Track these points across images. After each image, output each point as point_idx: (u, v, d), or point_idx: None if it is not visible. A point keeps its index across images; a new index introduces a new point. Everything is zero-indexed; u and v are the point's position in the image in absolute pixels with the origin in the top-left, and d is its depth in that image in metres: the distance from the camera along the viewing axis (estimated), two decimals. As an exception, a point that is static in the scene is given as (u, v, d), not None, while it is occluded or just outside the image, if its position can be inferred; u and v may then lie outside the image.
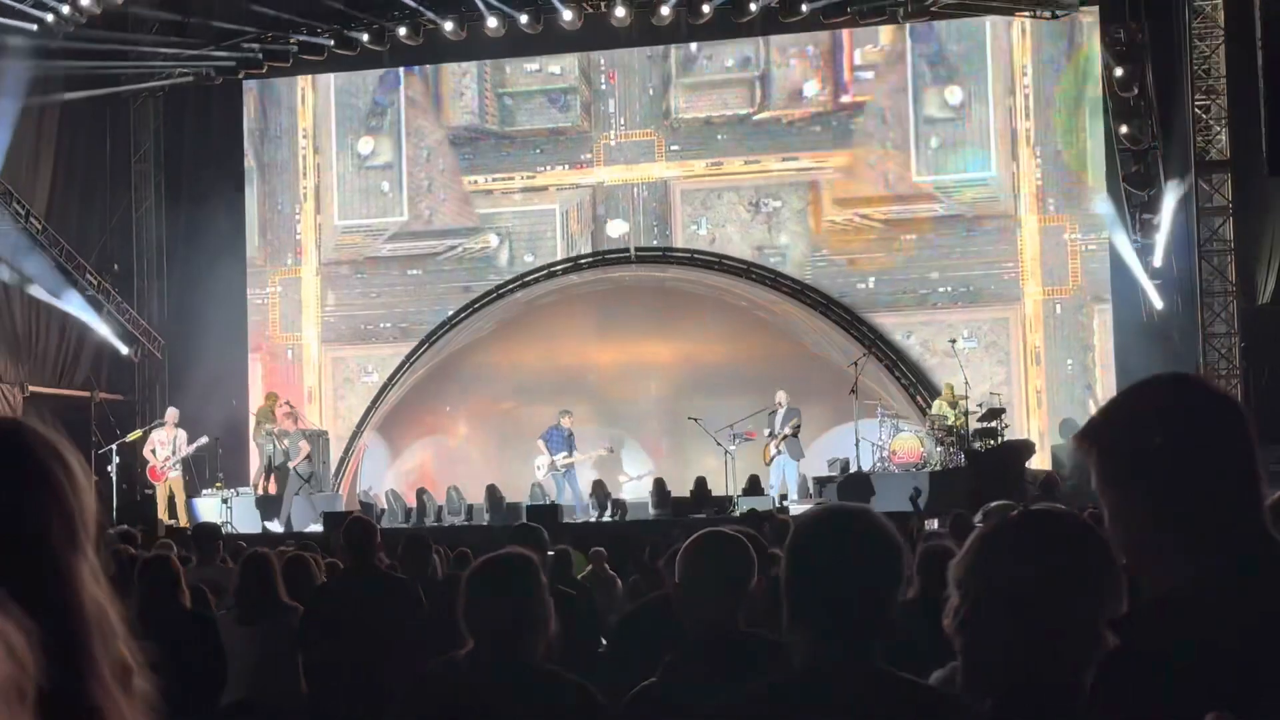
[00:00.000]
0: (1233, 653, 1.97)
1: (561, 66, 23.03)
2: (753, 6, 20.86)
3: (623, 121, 22.79)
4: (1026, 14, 20.92)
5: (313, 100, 23.57)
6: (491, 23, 21.45)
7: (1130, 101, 19.84)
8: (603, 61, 22.88)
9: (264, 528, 18.78)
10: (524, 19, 21.26)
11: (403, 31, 21.77)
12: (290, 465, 19.53)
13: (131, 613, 1.71)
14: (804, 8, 20.74)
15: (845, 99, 22.10)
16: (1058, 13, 20.76)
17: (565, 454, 19.59)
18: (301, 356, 23.39)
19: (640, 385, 22.15)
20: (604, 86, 22.89)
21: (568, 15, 21.13)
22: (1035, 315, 21.39)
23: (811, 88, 22.23)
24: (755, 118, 22.33)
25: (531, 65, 23.11)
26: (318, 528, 17.95)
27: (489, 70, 23.14)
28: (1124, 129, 19.97)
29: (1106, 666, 2.11)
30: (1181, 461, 2.12)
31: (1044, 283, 21.37)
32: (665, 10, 21.07)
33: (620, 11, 21.06)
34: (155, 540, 12.22)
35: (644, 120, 22.72)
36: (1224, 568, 2.06)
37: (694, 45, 22.56)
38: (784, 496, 18.56)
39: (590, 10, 21.34)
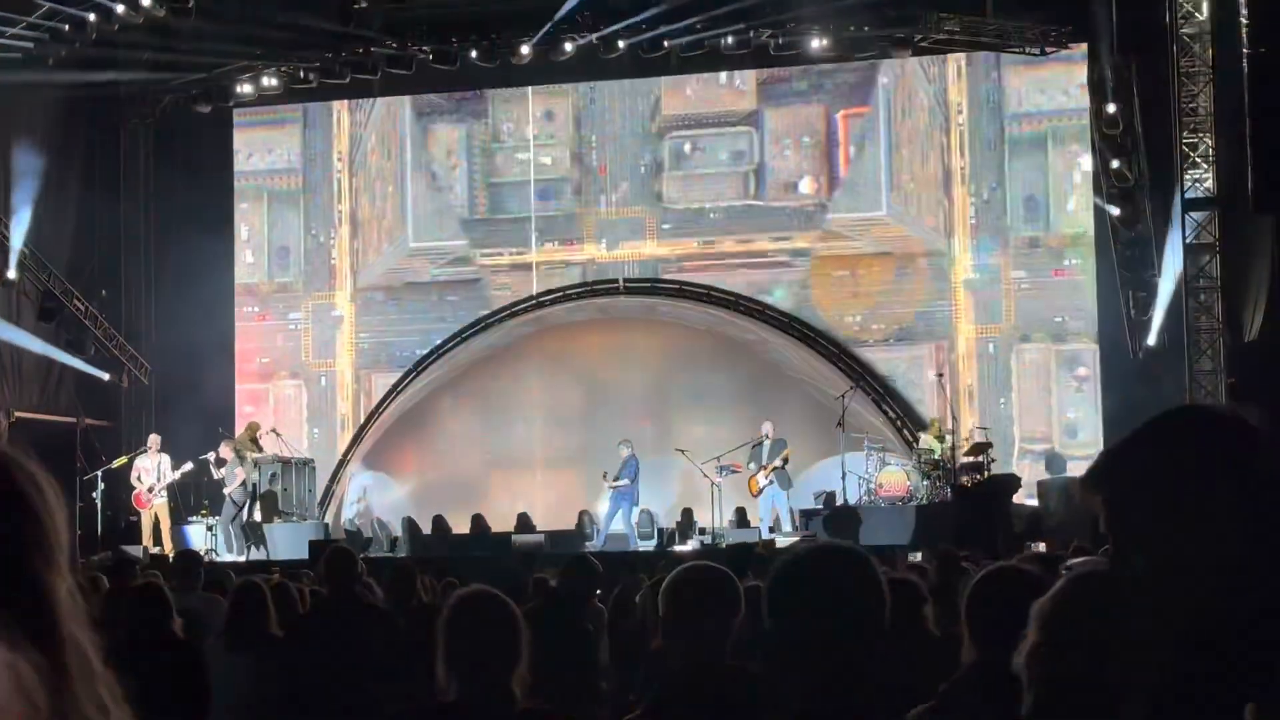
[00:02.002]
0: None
1: (553, 157, 22.99)
2: (750, 36, 20.96)
3: (614, 199, 22.78)
4: (1016, 50, 21.04)
5: (348, 124, 23.57)
6: (473, 53, 21.53)
7: (1117, 139, 19.92)
8: (594, 138, 22.84)
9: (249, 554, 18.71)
10: (525, 50, 21.32)
11: (386, 63, 21.85)
12: (226, 492, 19.39)
13: (119, 641, 1.70)
14: (808, 43, 20.90)
15: (839, 194, 22.18)
16: (1047, 50, 20.87)
17: (615, 477, 19.61)
18: (335, 383, 23.35)
19: (626, 415, 22.13)
20: (594, 163, 22.84)
21: (568, 47, 21.22)
22: (968, 353, 21.50)
23: (806, 185, 22.25)
24: (749, 204, 22.39)
25: (522, 155, 23.06)
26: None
27: (479, 162, 23.12)
28: (1114, 165, 20.05)
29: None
30: (1219, 508, 2.09)
31: (976, 320, 21.52)
32: (667, 43, 21.16)
33: (621, 43, 21.14)
34: (141, 568, 12.15)
35: (635, 198, 22.71)
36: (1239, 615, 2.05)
37: (687, 145, 22.54)
38: (773, 529, 18.56)
39: (583, 41, 21.38)
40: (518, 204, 23.00)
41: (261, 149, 23.82)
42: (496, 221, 23.05)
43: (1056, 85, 21.58)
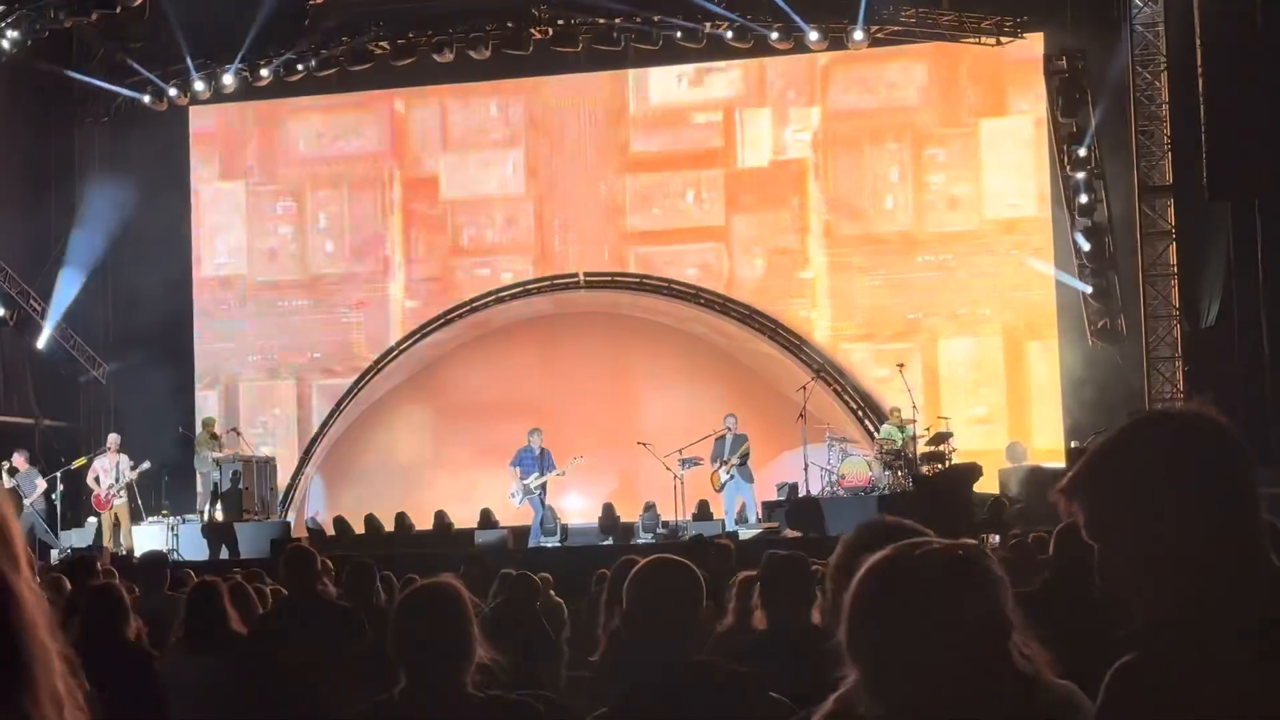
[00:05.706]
0: (1240, 672, 1.98)
1: (514, 272, 22.78)
2: (707, 27, 21.00)
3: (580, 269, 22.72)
4: (972, 40, 21.10)
5: (401, 111, 23.33)
6: (430, 50, 21.56)
7: (1073, 128, 20.02)
8: (556, 223, 22.74)
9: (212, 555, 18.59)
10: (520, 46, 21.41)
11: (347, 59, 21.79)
12: (27, 502, 18.70)
13: (70, 643, 1.68)
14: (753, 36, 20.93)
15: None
16: (1003, 39, 20.95)
17: (537, 475, 19.36)
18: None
19: (585, 408, 22.11)
20: (558, 249, 22.73)
21: (527, 39, 21.31)
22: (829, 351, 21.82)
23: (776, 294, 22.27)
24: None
25: (483, 271, 22.89)
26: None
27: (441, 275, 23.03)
28: (1078, 154, 20.14)
29: (1119, 679, 2.11)
30: (1190, 503, 2.13)
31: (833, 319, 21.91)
32: (623, 37, 21.25)
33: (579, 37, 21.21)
34: (101, 568, 12.05)
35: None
36: (1229, 591, 2.07)
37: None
38: (739, 521, 18.60)
39: (540, 36, 21.38)
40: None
41: (333, 133, 23.51)
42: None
43: (878, 80, 21.90)
